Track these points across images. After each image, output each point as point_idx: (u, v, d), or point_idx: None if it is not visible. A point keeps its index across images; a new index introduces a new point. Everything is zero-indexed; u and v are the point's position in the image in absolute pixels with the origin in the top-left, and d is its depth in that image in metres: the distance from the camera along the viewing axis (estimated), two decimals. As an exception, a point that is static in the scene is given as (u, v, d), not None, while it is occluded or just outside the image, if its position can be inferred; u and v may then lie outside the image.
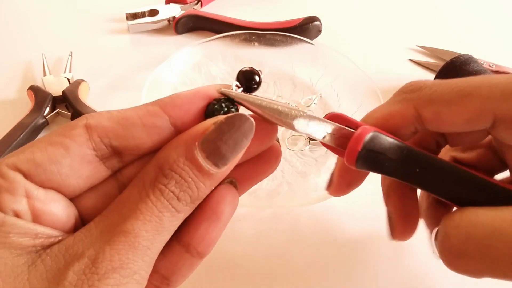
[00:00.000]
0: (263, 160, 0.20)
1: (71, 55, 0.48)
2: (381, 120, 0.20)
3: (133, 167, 0.19)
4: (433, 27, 0.58)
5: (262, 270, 0.31)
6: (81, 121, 0.17)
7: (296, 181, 0.36)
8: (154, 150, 0.18)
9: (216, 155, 0.16)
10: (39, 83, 0.44)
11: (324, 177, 0.36)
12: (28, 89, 0.43)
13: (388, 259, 0.32)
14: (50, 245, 0.16)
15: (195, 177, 0.16)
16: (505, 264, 0.17)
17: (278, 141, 0.21)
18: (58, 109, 0.42)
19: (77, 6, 0.59)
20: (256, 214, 0.35)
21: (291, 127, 0.18)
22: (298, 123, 0.18)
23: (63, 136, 0.17)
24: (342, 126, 0.19)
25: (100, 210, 0.17)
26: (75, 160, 0.17)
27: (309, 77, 0.45)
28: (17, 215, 0.16)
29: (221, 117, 0.17)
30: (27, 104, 0.42)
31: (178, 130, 0.18)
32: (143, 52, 0.52)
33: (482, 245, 0.17)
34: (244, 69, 0.20)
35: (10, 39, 0.53)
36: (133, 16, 0.54)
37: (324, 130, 0.19)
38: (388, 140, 0.19)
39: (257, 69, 0.20)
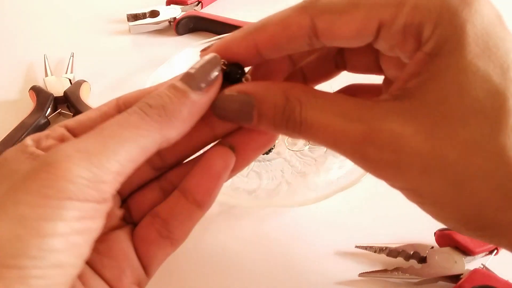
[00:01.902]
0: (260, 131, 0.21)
1: (72, 56, 0.48)
2: (278, 26, 0.19)
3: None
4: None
5: (262, 270, 0.31)
6: (113, 100, 0.21)
7: (295, 181, 0.36)
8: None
9: (189, 79, 0.19)
10: (40, 84, 0.44)
11: (324, 177, 0.36)
12: (29, 89, 0.43)
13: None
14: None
15: (171, 93, 0.18)
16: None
17: None
18: (59, 110, 0.43)
19: (79, 7, 0.59)
20: (255, 214, 0.35)
21: None
22: None
23: (98, 106, 0.20)
24: None
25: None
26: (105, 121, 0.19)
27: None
28: None
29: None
30: (29, 105, 0.43)
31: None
32: (144, 53, 0.52)
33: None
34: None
35: (12, 40, 0.54)
36: (134, 17, 0.54)
37: None
38: None
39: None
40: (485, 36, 0.16)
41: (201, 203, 0.20)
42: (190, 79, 0.19)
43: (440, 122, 0.16)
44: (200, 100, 0.19)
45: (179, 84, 0.18)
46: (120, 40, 0.53)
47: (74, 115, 0.42)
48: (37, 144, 0.18)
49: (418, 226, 0.31)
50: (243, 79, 0.20)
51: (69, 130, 0.20)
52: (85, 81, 0.45)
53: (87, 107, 0.41)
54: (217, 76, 0.19)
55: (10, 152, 0.18)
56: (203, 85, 0.19)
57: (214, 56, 0.20)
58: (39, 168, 0.15)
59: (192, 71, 0.19)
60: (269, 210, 0.35)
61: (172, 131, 0.18)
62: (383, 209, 0.35)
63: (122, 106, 0.20)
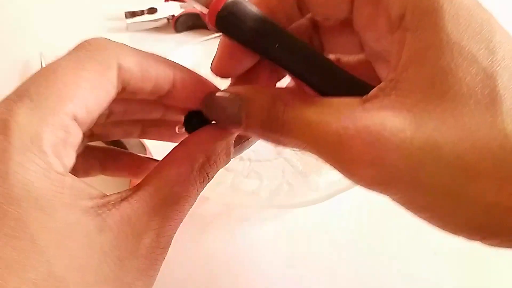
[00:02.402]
0: None
1: (69, 54, 0.47)
2: None
3: None
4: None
5: (262, 270, 0.31)
6: (112, 59, 0.20)
7: (296, 181, 0.36)
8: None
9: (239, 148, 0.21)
10: (37, 82, 0.44)
11: (325, 177, 0.36)
12: (26, 88, 0.43)
13: (389, 259, 0.32)
14: (105, 206, 0.16)
15: (223, 161, 0.20)
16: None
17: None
18: (56, 109, 0.42)
19: (75, 4, 0.58)
20: (256, 215, 0.35)
21: None
22: None
23: (104, 77, 0.18)
24: None
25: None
26: (107, 101, 0.18)
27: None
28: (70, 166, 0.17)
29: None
30: (25, 104, 0.42)
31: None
32: (143, 50, 0.51)
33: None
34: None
35: (7, 38, 0.53)
36: (132, 14, 0.53)
37: None
38: (250, 8, 0.19)
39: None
40: (467, 15, 0.15)
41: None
42: (240, 148, 0.22)
43: (430, 113, 0.14)
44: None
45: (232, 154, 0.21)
46: (118, 37, 0.52)
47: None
48: (58, 157, 0.16)
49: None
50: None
51: (81, 125, 0.17)
52: (82, 79, 0.44)
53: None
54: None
55: (44, 180, 0.15)
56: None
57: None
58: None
59: (243, 141, 0.22)
60: (270, 211, 0.35)
61: None
62: (384, 209, 0.35)
63: (125, 87, 0.19)
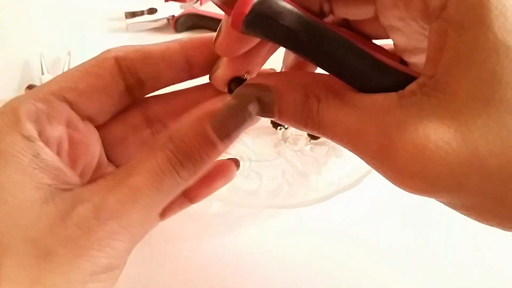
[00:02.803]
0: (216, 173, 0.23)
1: (69, 54, 0.47)
2: None
3: (157, 102, 0.22)
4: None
5: (262, 271, 0.31)
6: (109, 53, 0.20)
7: (296, 181, 0.36)
8: (171, 82, 0.21)
9: (222, 130, 0.18)
10: (37, 83, 0.44)
11: (325, 177, 0.36)
12: (26, 88, 0.43)
13: (389, 259, 0.32)
14: (64, 190, 0.17)
15: (203, 148, 0.18)
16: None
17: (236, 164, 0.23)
18: (56, 109, 0.42)
19: (75, 4, 0.58)
20: (256, 214, 0.35)
21: None
22: None
23: (98, 66, 0.19)
24: None
25: (126, 140, 0.21)
26: (108, 89, 0.19)
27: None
28: (56, 143, 0.18)
29: (231, 99, 0.18)
30: (25, 104, 0.42)
31: (191, 66, 0.21)
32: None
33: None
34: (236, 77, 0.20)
35: (7, 38, 0.53)
36: (132, 14, 0.53)
37: None
38: (279, 3, 0.17)
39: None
40: None
41: (193, 201, 0.22)
42: (223, 130, 0.18)
43: (476, 121, 0.14)
44: (225, 150, 0.19)
45: (211, 136, 0.18)
46: (118, 38, 0.53)
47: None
48: (40, 131, 0.18)
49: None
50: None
51: (71, 104, 0.19)
52: (82, 79, 0.44)
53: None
54: (246, 123, 0.18)
55: (9, 137, 0.17)
56: (235, 135, 0.18)
57: (247, 96, 0.18)
58: (88, 245, 0.16)
59: (226, 117, 0.18)
60: (270, 211, 0.35)
61: (193, 180, 0.19)
62: (384, 210, 0.35)
63: (125, 71, 0.20)
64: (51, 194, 0.17)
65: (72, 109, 0.19)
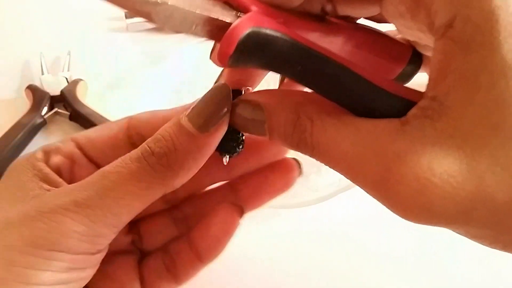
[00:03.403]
0: (272, 173, 0.21)
1: (69, 54, 0.47)
2: None
3: None
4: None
5: (262, 271, 0.31)
6: (125, 118, 0.21)
7: (296, 181, 0.36)
8: None
9: (197, 118, 0.17)
10: (37, 83, 0.44)
11: (325, 177, 0.36)
12: (26, 88, 0.43)
13: (389, 258, 0.32)
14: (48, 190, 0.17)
15: (176, 136, 0.17)
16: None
17: (299, 164, 0.21)
18: (56, 109, 0.42)
19: (76, 4, 0.58)
20: (256, 215, 0.35)
21: (149, 18, 0.15)
22: (156, 14, 0.15)
23: (112, 123, 0.21)
24: (214, 16, 0.16)
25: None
26: (115, 140, 0.20)
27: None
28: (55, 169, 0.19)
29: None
30: (25, 104, 0.42)
31: None
32: (142, 50, 0.51)
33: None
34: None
35: (7, 38, 0.53)
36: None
37: (191, 22, 0.15)
38: (268, 34, 0.15)
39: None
40: None
41: (202, 258, 0.21)
42: (198, 118, 0.17)
43: (482, 150, 0.13)
44: (208, 143, 0.17)
45: (185, 123, 0.17)
46: (118, 37, 0.53)
47: (70, 114, 0.41)
48: (47, 158, 0.19)
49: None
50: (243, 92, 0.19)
51: (79, 146, 0.20)
52: (82, 79, 0.44)
53: (84, 106, 0.41)
54: (227, 111, 0.17)
55: (21, 163, 0.18)
56: (212, 125, 0.17)
57: (224, 86, 0.18)
58: (36, 216, 0.15)
59: (201, 105, 0.17)
60: (270, 211, 0.35)
61: (176, 180, 0.17)
62: (384, 210, 0.35)
63: (133, 133, 0.20)
64: (43, 191, 0.17)
65: (80, 149, 0.20)
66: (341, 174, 0.16)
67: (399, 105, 0.15)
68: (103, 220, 0.16)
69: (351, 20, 0.20)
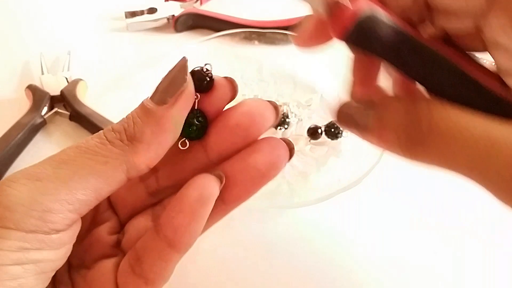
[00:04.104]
0: (256, 153, 0.18)
1: (69, 54, 0.47)
2: None
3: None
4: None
5: (262, 271, 0.31)
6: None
7: (296, 181, 0.36)
8: None
9: (154, 92, 0.17)
10: (37, 82, 0.44)
11: (325, 177, 0.36)
12: (26, 88, 0.43)
13: (389, 258, 0.32)
14: None
15: (135, 113, 0.17)
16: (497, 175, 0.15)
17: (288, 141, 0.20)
18: (56, 109, 0.42)
19: (75, 4, 0.58)
20: (256, 214, 0.35)
21: None
22: None
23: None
24: None
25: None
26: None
27: (310, 76, 0.45)
28: None
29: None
30: (25, 104, 0.42)
31: None
32: (142, 50, 0.51)
33: (464, 148, 0.15)
34: (195, 69, 0.19)
35: (7, 38, 0.53)
36: (132, 14, 0.53)
37: None
38: (383, 20, 0.17)
39: (206, 68, 0.19)
40: None
41: (172, 243, 0.17)
42: (156, 93, 0.17)
43: None
44: (166, 115, 0.17)
45: (145, 101, 0.17)
46: (118, 37, 0.53)
47: (70, 114, 0.41)
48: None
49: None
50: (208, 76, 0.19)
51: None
52: (82, 79, 0.44)
53: (84, 106, 0.41)
54: (185, 84, 0.17)
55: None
56: (169, 96, 0.17)
57: (182, 61, 0.18)
58: None
59: (160, 82, 0.17)
60: (269, 211, 0.35)
61: (137, 156, 0.16)
62: (384, 210, 0.35)
63: None
64: None
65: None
66: (453, 165, 0.15)
67: (501, 106, 0.16)
68: (53, 194, 0.15)
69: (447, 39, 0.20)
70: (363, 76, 0.20)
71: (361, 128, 0.17)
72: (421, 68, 0.17)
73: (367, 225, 0.34)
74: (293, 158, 0.37)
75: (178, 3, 0.55)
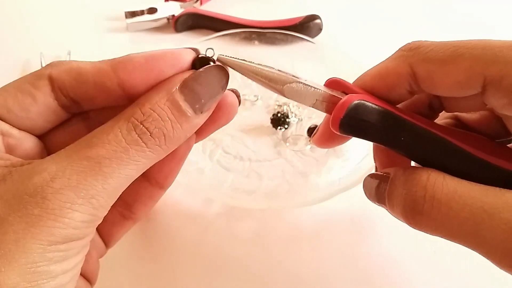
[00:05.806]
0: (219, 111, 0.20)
1: (69, 54, 0.47)
2: (377, 77, 0.20)
3: (100, 110, 0.20)
4: (438, 24, 0.58)
5: (261, 271, 0.31)
6: (46, 70, 0.19)
7: (296, 181, 0.36)
8: (108, 105, 0.19)
9: (194, 99, 0.17)
10: (37, 82, 0.44)
11: (325, 177, 0.36)
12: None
13: (389, 258, 0.32)
14: (22, 166, 0.17)
15: (173, 117, 0.17)
16: (490, 244, 0.16)
17: (237, 95, 0.21)
18: (56, 109, 0.42)
19: (76, 4, 0.58)
20: (255, 215, 0.35)
21: (281, 93, 0.19)
22: (288, 89, 0.19)
23: (31, 85, 0.19)
24: (332, 93, 0.19)
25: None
26: (41, 107, 0.19)
27: (309, 76, 0.45)
28: None
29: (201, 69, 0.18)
30: (25, 104, 0.42)
31: (128, 96, 0.18)
32: (142, 50, 0.51)
33: (459, 216, 0.16)
34: (200, 56, 0.19)
35: (7, 38, 0.53)
36: (132, 14, 0.53)
37: (313, 97, 0.19)
38: (373, 107, 0.19)
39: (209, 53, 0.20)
40: None
41: (163, 185, 0.21)
42: (195, 101, 0.18)
43: None
44: (199, 124, 0.18)
45: (183, 104, 0.17)
46: (118, 37, 0.53)
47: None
48: (8, 149, 0.18)
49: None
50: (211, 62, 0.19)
51: (2, 118, 0.18)
52: (82, 79, 0.44)
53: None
54: (222, 93, 0.18)
55: None
56: (207, 107, 0.18)
57: (222, 69, 0.18)
58: (43, 214, 0.15)
59: (196, 86, 0.18)
60: (270, 211, 0.35)
61: (165, 154, 0.18)
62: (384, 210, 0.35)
63: (57, 91, 0.19)
64: (9, 171, 0.16)
65: (4, 121, 0.18)
66: (450, 233, 0.17)
67: (494, 174, 0.18)
68: (103, 206, 0.17)
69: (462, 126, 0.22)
70: (382, 161, 0.23)
71: (380, 202, 0.19)
72: (408, 143, 0.19)
73: (367, 225, 0.34)
74: (293, 158, 0.38)
75: (178, 3, 0.55)
